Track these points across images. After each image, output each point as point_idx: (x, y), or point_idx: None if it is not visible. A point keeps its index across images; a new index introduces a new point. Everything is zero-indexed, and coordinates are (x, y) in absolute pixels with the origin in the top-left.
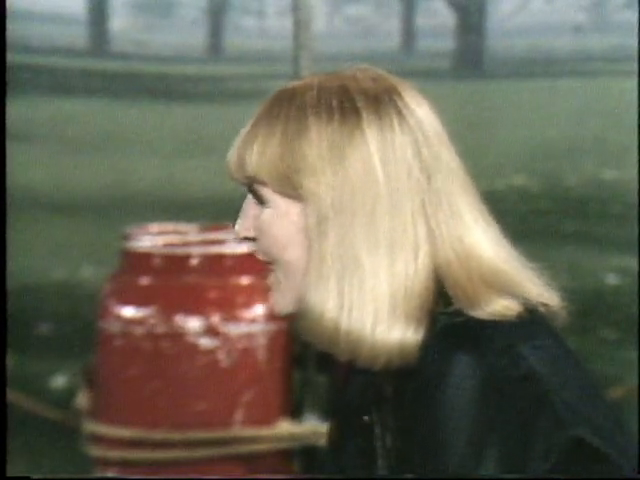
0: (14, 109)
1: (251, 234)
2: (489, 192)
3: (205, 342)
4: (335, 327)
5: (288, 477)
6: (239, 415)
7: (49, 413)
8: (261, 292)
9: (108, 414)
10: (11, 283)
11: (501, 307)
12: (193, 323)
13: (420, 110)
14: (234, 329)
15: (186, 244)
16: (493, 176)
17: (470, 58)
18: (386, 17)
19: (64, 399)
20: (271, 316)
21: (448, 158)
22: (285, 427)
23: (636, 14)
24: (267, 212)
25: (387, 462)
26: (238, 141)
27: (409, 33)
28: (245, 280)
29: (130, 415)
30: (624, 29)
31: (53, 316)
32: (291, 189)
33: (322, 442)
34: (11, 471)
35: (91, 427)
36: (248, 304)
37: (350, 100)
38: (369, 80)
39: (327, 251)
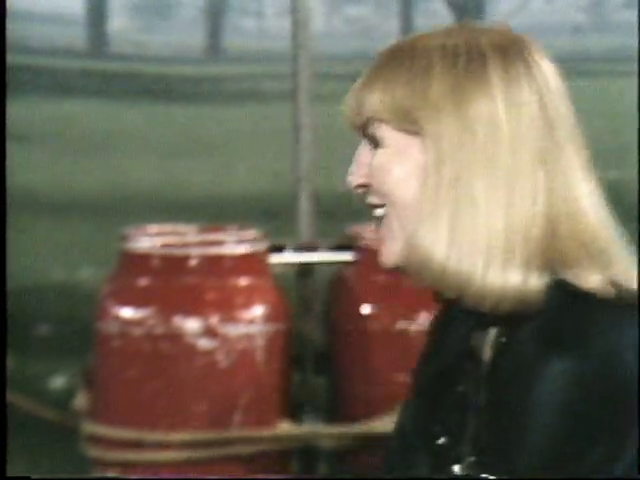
0: (13, 109)
1: (364, 181)
2: None
3: (204, 343)
4: (444, 266)
5: (288, 477)
6: (238, 416)
7: (48, 414)
8: (260, 293)
9: (107, 415)
10: (10, 284)
11: (599, 283)
12: (192, 324)
13: (545, 64)
14: (233, 330)
15: (185, 245)
16: None
17: None
18: (385, 17)
19: (63, 400)
20: (270, 317)
21: (568, 114)
22: (284, 428)
23: (635, 14)
24: (383, 151)
25: (473, 443)
26: (357, 85)
27: (408, 33)
28: (244, 281)
29: (129, 416)
30: (623, 29)
31: (52, 317)
32: (412, 125)
33: (324, 442)
34: (11, 471)
35: (90, 428)
36: (247, 305)
37: (477, 46)
38: (496, 32)
39: (442, 188)
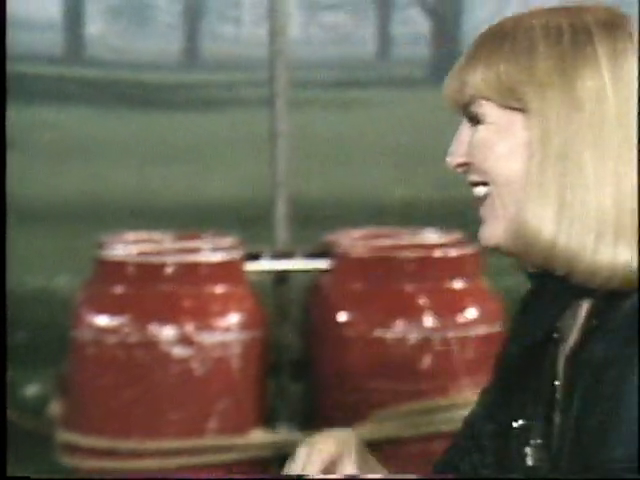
0: None
1: (464, 160)
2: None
3: (179, 351)
4: (553, 242)
5: (288, 477)
6: (213, 424)
7: (23, 422)
8: (236, 300)
9: (81, 423)
10: None
11: None
12: (167, 332)
13: None
14: (208, 338)
15: (161, 252)
16: (467, 184)
17: (445, 66)
18: (362, 24)
19: (38, 407)
20: (246, 324)
21: None
22: (259, 436)
23: None
24: (485, 127)
25: (545, 427)
26: (458, 65)
27: (385, 40)
28: (220, 289)
29: (103, 424)
30: None
31: (28, 324)
32: (516, 102)
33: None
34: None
35: (65, 436)
36: (223, 313)
37: (582, 23)
38: (600, 9)
39: (549, 164)
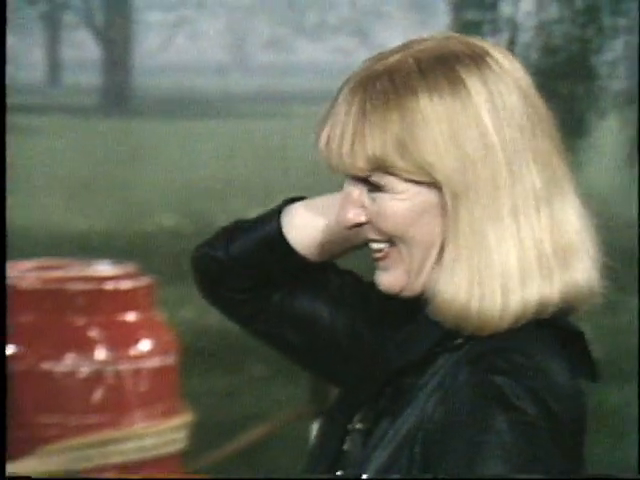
0: None
1: (363, 219)
2: (138, 232)
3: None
4: (466, 308)
5: (287, 477)
6: None
7: None
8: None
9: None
10: None
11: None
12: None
13: (515, 69)
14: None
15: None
16: (142, 216)
17: (116, 94)
18: (31, 47)
19: None
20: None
21: (546, 114)
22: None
23: (277, 55)
24: (390, 197)
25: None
26: (346, 134)
27: (54, 65)
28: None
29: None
30: (266, 69)
31: None
32: (418, 171)
33: None
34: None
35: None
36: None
37: (453, 71)
38: (459, 44)
39: (458, 231)
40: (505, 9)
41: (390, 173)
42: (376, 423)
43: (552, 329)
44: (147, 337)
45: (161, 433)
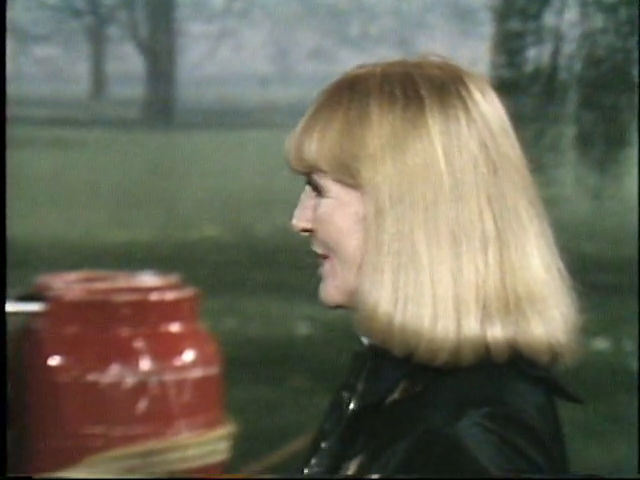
0: None
1: (309, 225)
2: (182, 243)
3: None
4: (389, 321)
5: (287, 477)
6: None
7: None
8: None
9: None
10: None
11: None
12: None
13: (486, 102)
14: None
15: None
16: (186, 227)
17: (160, 107)
18: (75, 60)
19: None
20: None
21: (512, 153)
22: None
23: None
24: (326, 202)
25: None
26: (297, 130)
27: (99, 78)
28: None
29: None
30: (309, 80)
31: None
32: (350, 178)
33: None
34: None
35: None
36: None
37: (414, 88)
38: (435, 68)
39: (384, 242)
40: (549, 19)
41: (324, 173)
42: (335, 465)
43: (513, 371)
44: (191, 348)
45: (204, 444)
